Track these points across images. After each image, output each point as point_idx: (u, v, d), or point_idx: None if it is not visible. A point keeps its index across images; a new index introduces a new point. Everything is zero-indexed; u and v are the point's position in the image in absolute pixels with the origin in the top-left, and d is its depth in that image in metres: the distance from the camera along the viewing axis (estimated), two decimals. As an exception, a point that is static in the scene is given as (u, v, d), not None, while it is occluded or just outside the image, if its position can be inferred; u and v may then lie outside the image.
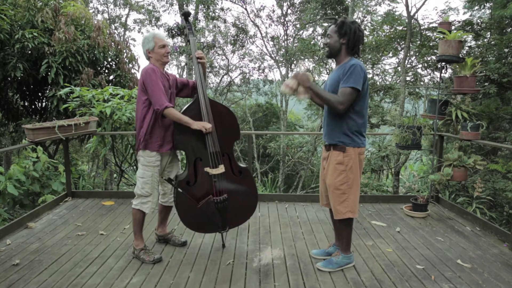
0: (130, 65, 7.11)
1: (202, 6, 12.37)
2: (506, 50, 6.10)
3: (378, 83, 9.93)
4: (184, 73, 14.04)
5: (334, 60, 2.74)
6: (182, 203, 2.89)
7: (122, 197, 4.62)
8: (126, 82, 6.92)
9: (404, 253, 3.07)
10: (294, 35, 13.31)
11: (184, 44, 12.44)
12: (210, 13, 12.47)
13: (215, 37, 14.37)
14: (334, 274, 2.72)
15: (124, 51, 7.04)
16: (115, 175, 8.26)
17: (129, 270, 2.77)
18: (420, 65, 8.67)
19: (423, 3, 8.44)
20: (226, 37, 14.06)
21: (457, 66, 4.09)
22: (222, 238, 3.20)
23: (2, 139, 8.21)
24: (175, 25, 10.67)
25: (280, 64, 13.42)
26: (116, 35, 9.43)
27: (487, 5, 6.93)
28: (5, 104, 6.97)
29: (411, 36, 7.54)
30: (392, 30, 8.67)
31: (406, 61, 8.11)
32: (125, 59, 7.03)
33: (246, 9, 13.81)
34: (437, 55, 4.03)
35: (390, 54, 9.26)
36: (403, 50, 8.29)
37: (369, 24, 10.94)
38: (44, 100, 7.02)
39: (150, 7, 15.71)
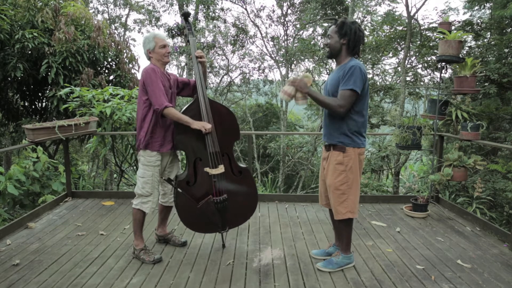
0: (130, 65, 7.11)
1: (202, 6, 12.37)
2: (506, 50, 6.10)
3: (378, 83, 9.94)
4: (184, 73, 14.05)
5: (334, 60, 2.74)
6: (182, 203, 2.89)
7: (122, 197, 4.62)
8: (126, 82, 6.92)
9: (404, 253, 3.07)
10: (294, 35, 13.30)
11: (184, 44, 12.45)
12: (210, 13, 12.47)
13: (215, 37, 14.38)
14: (334, 274, 2.72)
15: (124, 51, 7.04)
16: (115, 175, 8.26)
17: (129, 270, 2.77)
18: (420, 65, 8.67)
19: (423, 3, 8.45)
20: (226, 37, 14.06)
21: (457, 66, 4.10)
22: (222, 238, 3.20)
23: (2, 139, 8.21)
24: (175, 25, 10.67)
25: (280, 64, 13.42)
26: (116, 35, 9.43)
27: (487, 5, 6.93)
28: (5, 104, 6.97)
29: (411, 36, 7.54)
30: (392, 30, 8.67)
31: (406, 61, 8.11)
32: (125, 59, 7.03)
33: (246, 9, 13.82)
34: (437, 55, 4.03)
35: (390, 54, 9.26)
36: (403, 50, 8.29)
37: (369, 24, 10.94)
38: (44, 100, 7.02)
39: (150, 7, 15.72)
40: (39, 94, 6.96)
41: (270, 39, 13.70)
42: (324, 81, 11.08)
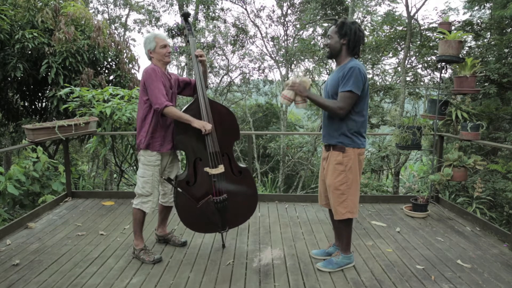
0: (130, 65, 7.11)
1: (202, 6, 12.37)
2: (506, 50, 6.10)
3: (378, 83, 9.94)
4: (184, 73, 14.06)
5: (334, 60, 2.74)
6: (182, 203, 2.89)
7: (122, 197, 4.62)
8: (126, 82, 6.92)
9: (404, 253, 3.07)
10: (294, 35, 13.30)
11: (184, 44, 12.46)
12: (210, 13, 12.48)
13: (215, 37, 14.38)
14: (334, 274, 2.72)
15: (124, 51, 7.04)
16: (115, 175, 8.26)
17: (129, 270, 2.77)
18: (420, 65, 8.67)
19: (423, 3, 8.46)
20: (226, 37, 14.06)
21: (457, 66, 4.10)
22: (222, 238, 3.20)
23: (2, 139, 8.21)
24: (175, 25, 10.67)
25: (280, 64, 13.42)
26: (116, 35, 9.43)
27: (487, 5, 6.93)
28: (5, 104, 6.97)
29: (411, 36, 7.54)
30: (392, 30, 8.67)
31: (406, 61, 8.11)
32: (125, 59, 7.03)
33: (246, 9, 13.82)
34: (437, 55, 4.04)
35: (390, 54, 9.26)
36: (403, 50, 8.29)
37: (369, 25, 10.94)
38: (44, 100, 7.02)
39: (150, 7, 15.72)
40: (39, 94, 6.96)
41: (270, 39, 13.70)
42: (324, 81, 11.08)
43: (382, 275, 2.70)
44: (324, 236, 3.45)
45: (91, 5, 15.81)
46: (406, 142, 4.12)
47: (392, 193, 7.56)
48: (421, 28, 7.75)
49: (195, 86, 3.04)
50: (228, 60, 14.74)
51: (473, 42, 7.16)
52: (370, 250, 3.13)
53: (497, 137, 6.02)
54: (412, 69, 8.85)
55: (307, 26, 12.08)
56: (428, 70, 8.44)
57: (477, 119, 4.56)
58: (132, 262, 2.89)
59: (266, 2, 37.36)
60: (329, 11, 10.66)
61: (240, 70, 14.77)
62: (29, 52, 6.23)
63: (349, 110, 2.53)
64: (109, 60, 7.04)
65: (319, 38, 11.91)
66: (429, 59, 7.95)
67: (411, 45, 7.83)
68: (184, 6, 13.58)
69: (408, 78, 8.66)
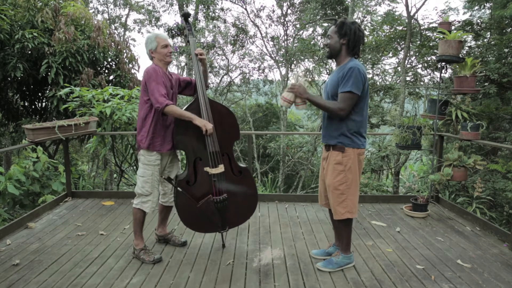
0: (130, 65, 7.11)
1: (202, 6, 12.37)
2: (506, 50, 6.10)
3: (378, 83, 9.93)
4: (184, 73, 14.06)
5: (334, 60, 2.75)
6: (182, 202, 2.89)
7: (122, 197, 4.62)
8: (126, 82, 6.92)
9: (404, 253, 3.07)
10: (294, 35, 13.30)
11: (184, 44, 12.46)
12: (210, 13, 12.48)
13: (215, 37, 14.38)
14: (334, 274, 2.72)
15: (124, 51, 7.04)
16: (115, 175, 8.27)
17: (129, 270, 2.77)
18: (420, 65, 8.67)
19: (423, 3, 8.45)
20: (226, 37, 14.06)
21: (457, 66, 4.10)
22: (222, 238, 3.20)
23: (2, 139, 8.21)
24: (175, 25, 10.67)
25: (280, 64, 13.42)
26: (116, 35, 9.43)
27: (487, 5, 6.93)
28: (5, 104, 6.97)
29: (411, 36, 7.54)
30: (392, 30, 8.67)
31: (406, 61, 8.11)
32: (125, 59, 7.03)
33: (246, 9, 13.82)
34: (437, 55, 4.03)
35: (390, 54, 9.26)
36: (403, 50, 8.29)
37: (369, 24, 10.94)
38: (44, 100, 7.02)
39: (150, 7, 15.72)
40: (39, 94, 6.96)
41: (270, 39, 13.70)
42: (324, 81, 11.08)
43: (382, 275, 2.70)
44: (324, 236, 3.45)
45: (91, 5, 15.81)
46: (406, 142, 4.12)
47: (392, 193, 7.56)
48: (421, 28, 7.75)
49: (195, 86, 3.04)
50: (228, 60, 14.75)
51: (473, 42, 7.16)
52: (370, 250, 3.13)
53: (497, 137, 6.02)
54: (412, 69, 8.84)
55: (307, 26, 12.08)
56: (428, 70, 8.44)
57: (477, 119, 4.56)
58: (132, 262, 2.89)
59: (266, 2, 37.39)
60: (329, 11, 10.66)
61: (240, 70, 14.78)
62: (29, 52, 6.23)
63: (350, 110, 2.53)
64: (109, 60, 7.04)
65: (319, 38, 11.91)
66: (429, 59, 7.95)
67: (411, 45, 7.83)
68: (184, 6, 13.58)
69: (408, 78, 8.66)
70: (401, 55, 8.70)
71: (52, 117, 6.37)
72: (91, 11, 13.63)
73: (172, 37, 10.70)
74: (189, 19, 3.15)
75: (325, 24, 11.38)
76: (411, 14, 7.64)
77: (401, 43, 8.51)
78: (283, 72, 13.11)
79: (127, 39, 14.33)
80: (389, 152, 8.11)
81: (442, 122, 4.41)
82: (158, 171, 2.93)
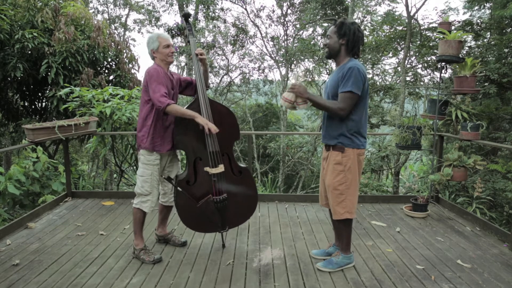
0: (130, 65, 7.12)
1: (202, 6, 12.37)
2: (506, 50, 6.10)
3: (378, 83, 9.93)
4: (184, 73, 14.06)
5: (334, 60, 2.75)
6: (182, 202, 2.90)
7: (122, 197, 4.62)
8: (126, 82, 6.92)
9: (404, 253, 3.07)
10: (294, 35, 13.30)
11: (184, 44, 12.46)
12: (210, 13, 12.48)
13: (215, 37, 14.37)
14: (334, 274, 2.72)
15: (124, 51, 7.04)
16: (115, 175, 8.27)
17: (129, 270, 2.77)
18: (420, 65, 8.67)
19: (423, 3, 8.45)
20: (226, 37, 14.06)
21: (457, 66, 4.10)
22: (222, 238, 3.20)
23: (2, 139, 8.21)
24: (175, 25, 10.68)
25: (280, 64, 13.42)
26: (116, 35, 9.43)
27: (487, 5, 6.93)
28: (5, 104, 6.97)
29: (411, 36, 7.54)
30: (392, 30, 8.67)
31: (406, 61, 8.11)
32: (125, 59, 7.03)
33: (246, 9, 13.82)
34: (437, 55, 4.04)
35: (390, 54, 9.26)
36: (403, 50, 8.29)
37: (369, 24, 10.94)
38: (44, 100, 7.02)
39: (150, 7, 15.72)
40: (39, 94, 6.96)
41: (270, 39, 13.70)
42: (324, 81, 11.08)
43: (382, 275, 2.70)
44: (324, 236, 3.45)
45: (91, 5, 15.81)
46: (406, 142, 4.12)
47: (392, 193, 7.56)
48: (421, 28, 7.75)
49: (196, 86, 3.04)
50: (228, 60, 14.75)
51: (473, 42, 7.16)
52: (370, 250, 3.13)
53: (497, 137, 6.02)
54: (412, 69, 8.84)
55: (307, 26, 12.08)
56: (428, 70, 8.44)
57: (477, 119, 4.56)
58: (132, 262, 2.89)
59: (266, 2, 37.39)
60: (329, 11, 10.66)
61: (240, 70, 14.78)
62: (29, 52, 6.23)
63: (350, 110, 2.53)
64: (109, 60, 7.04)
65: (319, 38, 11.90)
66: (429, 59, 7.95)
67: (411, 45, 7.83)
68: (184, 6, 13.58)
69: (408, 78, 8.66)
70: (401, 55, 8.70)
71: (52, 117, 6.37)
72: (91, 11, 13.63)
73: (172, 37, 10.71)
74: (189, 19, 3.15)
75: (325, 24, 11.38)
76: (411, 14, 7.64)
77: (401, 43, 8.51)
78: (283, 72, 13.11)
79: (127, 39, 14.33)
80: (389, 152, 8.11)
81: (442, 122, 4.42)
82: (158, 171, 2.93)
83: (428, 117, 4.22)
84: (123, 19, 17.32)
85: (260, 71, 14.59)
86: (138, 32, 19.02)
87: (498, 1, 6.11)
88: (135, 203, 2.93)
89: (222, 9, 13.09)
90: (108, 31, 6.97)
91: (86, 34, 6.59)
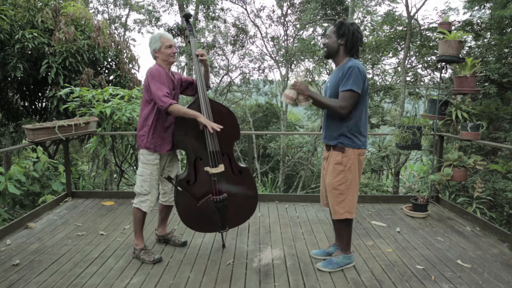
0: (130, 65, 7.11)
1: (202, 6, 12.38)
2: (506, 50, 6.10)
3: (378, 83, 9.94)
4: (184, 73, 14.06)
5: (333, 60, 2.75)
6: (182, 202, 2.90)
7: (122, 197, 4.62)
8: (126, 82, 6.92)
9: (404, 253, 3.07)
10: (294, 35, 13.31)
11: (184, 44, 12.46)
12: (210, 13, 12.48)
13: (215, 37, 14.38)
14: (334, 274, 2.72)
15: (124, 51, 7.04)
16: (115, 175, 8.27)
17: (129, 270, 2.77)
18: (420, 65, 8.67)
19: (423, 3, 8.45)
20: (226, 37, 14.06)
21: (457, 66, 4.10)
22: (222, 238, 3.20)
23: (2, 139, 8.21)
24: (175, 25, 10.68)
25: (280, 64, 13.42)
26: (116, 35, 9.44)
27: (487, 5, 6.93)
28: (5, 104, 6.97)
29: (411, 36, 7.54)
30: (392, 30, 8.67)
31: (406, 61, 8.11)
32: (125, 59, 7.03)
33: (246, 9, 13.82)
34: (437, 55, 4.03)
35: (390, 54, 9.26)
36: (403, 50, 8.29)
37: (369, 24, 10.94)
38: (44, 100, 7.02)
39: (150, 7, 15.72)
40: (39, 94, 6.96)
41: (270, 39, 13.71)
42: (324, 81, 11.08)
43: (382, 275, 2.70)
44: (324, 236, 3.45)
45: (91, 5, 15.82)
46: (406, 142, 4.12)
47: (392, 193, 7.56)
48: (421, 28, 7.75)
49: (197, 86, 3.04)
50: (228, 60, 14.76)
51: (473, 42, 7.16)
52: (370, 250, 3.13)
53: (497, 137, 6.02)
54: (412, 69, 8.85)
55: (307, 26, 12.08)
56: (428, 70, 8.45)
57: (477, 119, 4.56)
58: (132, 262, 2.89)
59: (266, 2, 37.39)
60: (329, 11, 10.66)
61: (240, 70, 14.78)
62: (29, 52, 6.23)
63: (351, 109, 2.53)
64: (109, 60, 7.04)
65: (319, 38, 11.90)
66: (429, 59, 7.95)
67: (411, 45, 7.83)
68: (184, 6, 13.58)
69: (408, 78, 8.66)
70: (401, 55, 8.70)
71: (52, 117, 6.37)
72: (91, 11, 13.63)
73: (173, 37, 10.71)
74: (190, 19, 3.15)
75: (325, 24, 11.38)
76: (411, 14, 7.64)
77: (401, 43, 8.51)
78: (283, 72, 13.11)
79: (127, 39, 14.34)
80: (389, 152, 8.11)
81: (442, 122, 4.41)
82: (157, 170, 2.93)
83: (428, 117, 4.22)
84: (123, 19, 17.33)
85: (260, 71, 14.61)
86: (138, 32, 19.07)
87: (498, 1, 6.11)
88: (134, 203, 2.94)
89: (222, 9, 13.10)
90: (108, 31, 6.97)
91: (86, 34, 6.59)
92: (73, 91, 5.10)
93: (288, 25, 13.32)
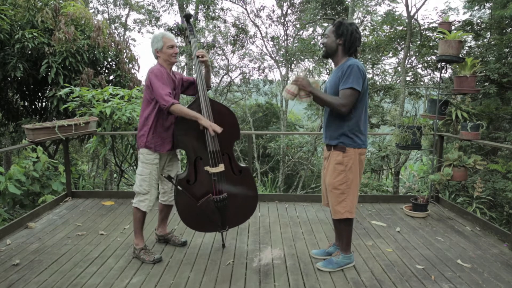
0: (130, 65, 7.11)
1: (202, 6, 12.38)
2: (506, 50, 6.10)
3: (378, 83, 9.94)
4: (184, 73, 14.07)
5: (332, 61, 2.75)
6: (182, 201, 2.90)
7: (122, 197, 4.62)
8: (126, 82, 6.92)
9: (404, 253, 3.07)
10: (294, 35, 13.31)
11: (184, 44, 12.46)
12: (210, 13, 12.48)
13: (215, 37, 14.38)
14: (334, 274, 2.72)
15: (124, 51, 7.04)
16: (115, 175, 8.27)
17: (129, 270, 2.77)
18: (420, 65, 8.68)
19: (423, 3, 8.45)
20: (226, 37, 14.06)
21: (457, 66, 4.10)
22: (222, 238, 3.20)
23: (2, 139, 8.21)
24: (175, 25, 10.68)
25: (280, 64, 13.42)
26: (116, 35, 9.44)
27: (487, 5, 6.93)
28: (5, 104, 6.97)
29: (411, 36, 7.54)
30: (392, 30, 8.67)
31: (406, 61, 8.11)
32: (125, 59, 7.03)
33: (246, 9, 13.82)
34: (437, 55, 4.03)
35: (390, 54, 9.26)
36: (403, 50, 8.29)
37: (369, 24, 10.95)
38: (44, 100, 7.02)
39: (150, 7, 15.71)
40: (39, 94, 6.96)
41: (270, 39, 13.70)
42: (324, 81, 11.07)
43: (382, 275, 2.70)
44: (324, 236, 3.45)
45: (91, 5, 15.81)
46: (406, 142, 4.12)
47: (392, 193, 7.56)
48: (421, 28, 7.75)
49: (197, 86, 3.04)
50: (228, 60, 14.75)
51: (473, 42, 7.16)
52: (370, 250, 3.13)
53: (497, 137, 6.02)
54: (412, 69, 8.85)
55: (307, 26, 12.09)
56: (428, 70, 8.45)
57: (477, 119, 4.56)
58: (132, 262, 2.89)
59: (266, 2, 37.40)
60: (329, 11, 10.66)
61: (240, 70, 14.78)
62: (29, 52, 6.23)
63: (351, 107, 2.53)
64: (109, 60, 7.04)
65: (319, 38, 11.90)
66: (429, 59, 7.95)
67: (411, 45, 7.83)
68: (184, 6, 13.58)
69: (408, 78, 8.66)
70: (401, 55, 8.70)
71: (52, 117, 6.37)
72: (91, 11, 13.62)
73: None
74: (190, 20, 3.15)
75: (325, 24, 11.38)
76: (411, 14, 7.65)
77: (401, 43, 8.51)
78: (283, 72, 13.11)
79: (127, 39, 14.31)
80: (389, 152, 8.11)
81: (442, 122, 4.42)
82: (157, 170, 2.93)
83: (428, 117, 4.22)
84: (123, 19, 17.32)
85: (260, 71, 14.61)
86: (138, 32, 19.06)
87: (498, 1, 6.11)
88: (134, 202, 2.94)
89: (222, 9, 13.09)
90: (108, 31, 6.97)
91: (86, 34, 6.59)
92: (73, 91, 5.10)
93: (288, 25, 13.32)
